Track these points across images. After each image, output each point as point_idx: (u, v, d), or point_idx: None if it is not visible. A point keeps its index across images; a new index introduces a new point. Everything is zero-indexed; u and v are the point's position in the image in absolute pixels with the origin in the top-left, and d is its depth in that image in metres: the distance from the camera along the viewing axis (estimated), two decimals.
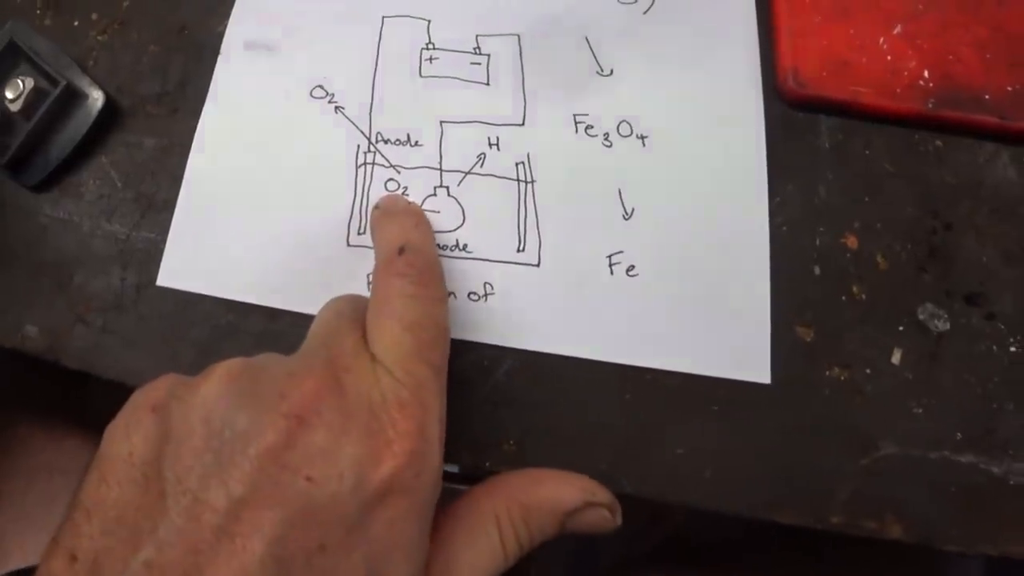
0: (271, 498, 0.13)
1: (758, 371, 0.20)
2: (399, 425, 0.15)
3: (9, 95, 0.24)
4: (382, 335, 0.16)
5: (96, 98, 0.24)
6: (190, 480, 0.13)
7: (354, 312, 0.17)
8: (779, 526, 0.20)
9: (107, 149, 0.24)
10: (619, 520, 0.18)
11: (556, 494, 0.17)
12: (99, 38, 0.26)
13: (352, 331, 0.16)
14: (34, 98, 0.24)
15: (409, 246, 0.18)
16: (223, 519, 0.13)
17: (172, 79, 0.24)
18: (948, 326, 0.21)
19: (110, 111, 0.24)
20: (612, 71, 0.24)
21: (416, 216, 0.20)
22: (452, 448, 0.20)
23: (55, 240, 0.23)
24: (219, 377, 0.15)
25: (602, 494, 0.18)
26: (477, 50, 0.24)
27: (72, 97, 0.24)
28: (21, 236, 0.24)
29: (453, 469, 0.21)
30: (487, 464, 0.20)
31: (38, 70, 0.25)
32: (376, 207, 0.21)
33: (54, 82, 0.24)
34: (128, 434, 0.15)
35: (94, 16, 0.26)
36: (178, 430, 0.14)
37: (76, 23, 0.26)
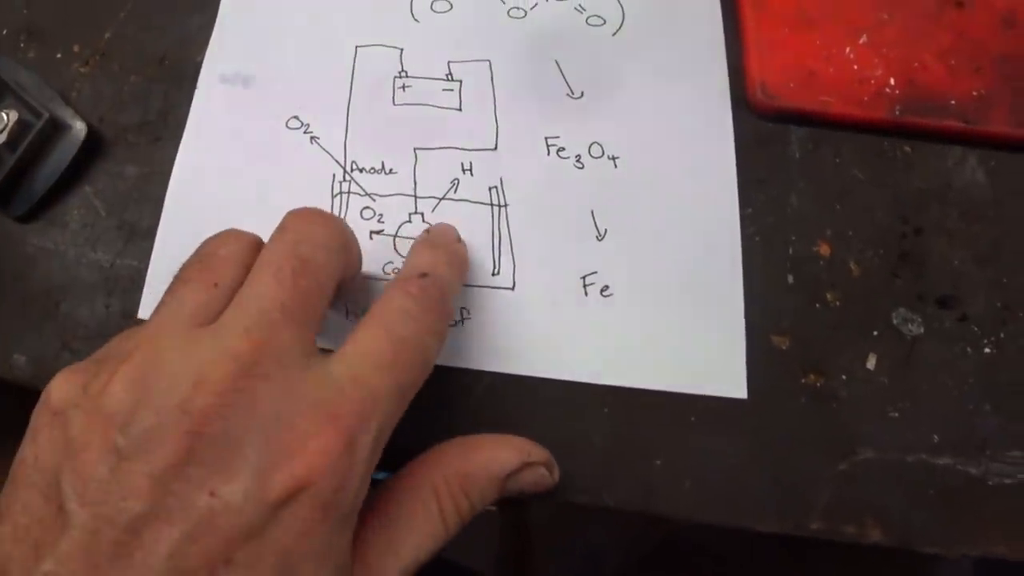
0: (171, 513, 0.13)
1: (734, 387, 0.21)
2: (319, 438, 0.14)
3: None
4: (364, 339, 0.16)
5: (79, 129, 0.25)
6: (89, 494, 0.13)
7: (305, 306, 0.16)
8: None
9: (91, 179, 0.24)
10: (557, 476, 0.18)
11: (494, 458, 0.17)
12: (81, 70, 0.26)
13: (289, 329, 0.15)
14: (18, 130, 0.25)
15: (433, 275, 0.18)
16: (122, 535, 0.13)
17: (153, 109, 0.25)
18: (922, 330, 0.21)
19: (93, 141, 0.25)
20: (583, 93, 0.24)
21: (454, 255, 0.20)
22: None
23: (42, 270, 0.24)
24: (122, 380, 0.14)
25: (538, 452, 0.18)
26: (449, 76, 0.24)
27: (56, 128, 0.25)
28: (8, 267, 0.24)
29: None
30: None
31: (22, 102, 0.25)
32: (426, 231, 0.21)
33: (37, 114, 0.25)
34: (34, 437, 0.15)
35: (76, 48, 0.26)
36: (77, 440, 0.14)
37: (59, 55, 0.26)
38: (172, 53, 0.26)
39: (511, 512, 0.51)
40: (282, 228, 0.17)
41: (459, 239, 0.22)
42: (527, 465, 0.18)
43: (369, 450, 0.15)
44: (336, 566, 0.15)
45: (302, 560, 0.14)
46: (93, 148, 0.25)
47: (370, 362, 0.16)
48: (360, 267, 0.20)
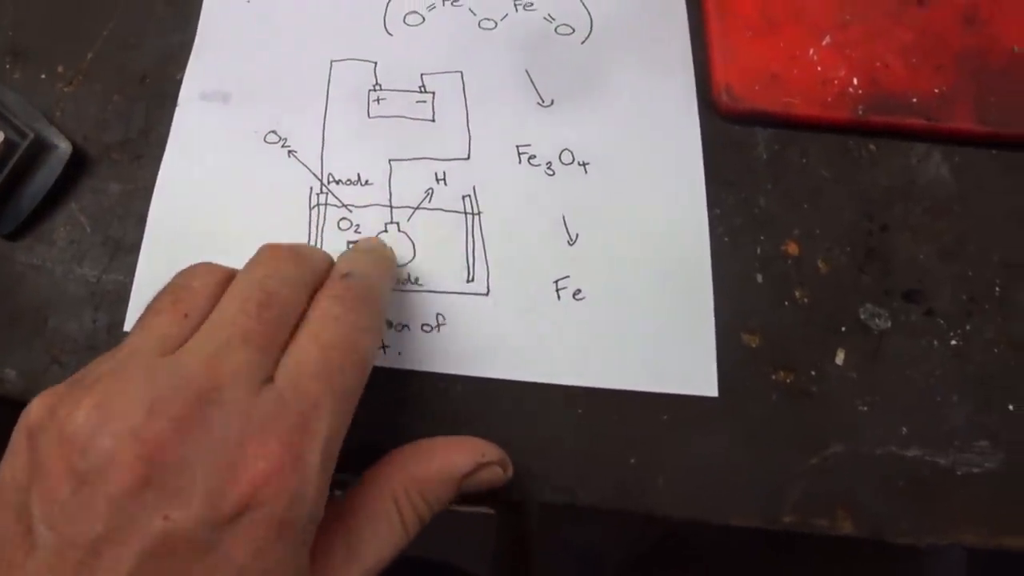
0: (129, 535, 0.14)
1: (705, 386, 0.21)
2: (266, 456, 0.14)
3: None
4: (296, 350, 0.16)
5: (64, 148, 0.25)
6: (54, 516, 0.14)
7: (267, 336, 0.16)
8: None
9: (76, 196, 0.25)
10: (510, 473, 0.19)
11: (450, 462, 0.18)
12: (65, 89, 0.27)
13: (248, 357, 0.16)
14: (4, 151, 0.25)
15: (355, 273, 0.18)
16: (85, 556, 0.13)
17: (135, 127, 0.25)
18: (889, 324, 0.22)
19: (78, 160, 0.25)
20: (552, 101, 0.25)
21: (378, 254, 0.21)
22: None
23: (30, 286, 0.24)
24: (85, 406, 0.15)
25: (492, 452, 0.19)
26: (422, 88, 0.25)
27: (41, 148, 0.25)
28: None
29: None
30: None
31: (7, 123, 0.26)
32: (352, 244, 0.22)
33: (23, 134, 0.25)
34: (9, 457, 0.15)
35: (60, 68, 0.27)
36: (44, 464, 0.14)
37: (43, 75, 0.27)
38: (153, 72, 0.26)
39: (508, 513, 0.52)
40: (253, 262, 0.18)
41: (384, 245, 0.22)
42: (481, 465, 0.18)
43: (319, 460, 0.15)
44: None
45: (260, 573, 0.14)
46: (78, 166, 0.25)
47: (304, 372, 0.16)
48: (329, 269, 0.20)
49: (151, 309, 0.18)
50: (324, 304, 0.17)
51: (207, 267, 0.19)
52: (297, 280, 0.18)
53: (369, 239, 0.23)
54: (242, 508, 0.14)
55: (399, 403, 0.22)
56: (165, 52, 0.26)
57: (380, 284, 0.19)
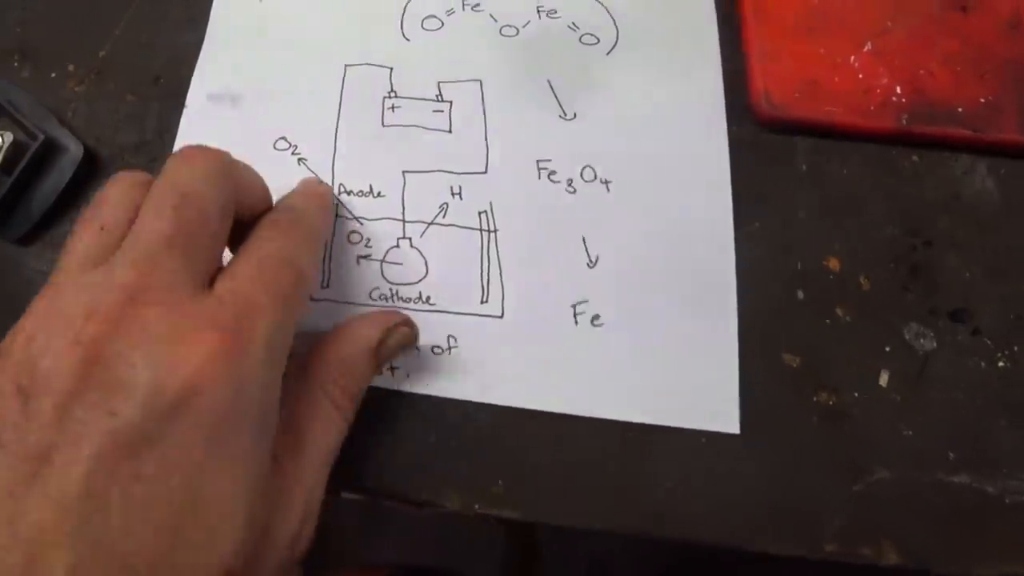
0: (78, 437, 0.14)
1: (727, 421, 0.20)
2: (206, 345, 0.15)
3: None
4: (234, 264, 0.17)
5: (75, 150, 0.24)
6: (4, 437, 0.14)
7: (190, 236, 0.16)
8: None
9: (88, 200, 0.24)
10: (418, 331, 0.20)
11: (360, 337, 0.19)
12: (76, 89, 0.26)
13: (174, 258, 0.16)
14: (13, 152, 0.24)
15: (281, 205, 0.19)
16: (36, 465, 0.13)
17: (149, 128, 0.25)
18: (934, 344, 0.21)
19: (90, 162, 0.24)
20: (575, 115, 0.23)
21: (309, 188, 0.21)
22: (441, 491, 0.20)
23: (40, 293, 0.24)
24: (22, 328, 0.15)
25: (395, 316, 0.20)
26: (439, 97, 0.24)
27: (51, 150, 0.24)
28: (7, 290, 0.24)
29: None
30: (476, 506, 0.20)
31: (16, 124, 0.25)
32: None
33: (33, 136, 0.24)
34: None
35: (71, 67, 0.26)
36: None
37: (53, 75, 0.26)
38: (167, 71, 0.25)
39: (516, 523, 0.51)
40: (163, 171, 0.18)
41: (319, 181, 0.22)
42: (389, 331, 0.19)
43: (263, 355, 0.15)
44: (253, 475, 0.15)
45: (214, 472, 0.14)
46: (90, 169, 0.24)
47: (242, 278, 0.17)
48: (266, 197, 0.20)
49: (73, 231, 0.18)
50: (258, 231, 0.18)
51: (123, 176, 0.19)
52: (208, 175, 0.18)
53: (304, 179, 0.22)
54: (186, 396, 0.14)
55: (407, 427, 0.21)
56: (180, 51, 0.26)
57: (309, 212, 0.20)
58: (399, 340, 0.20)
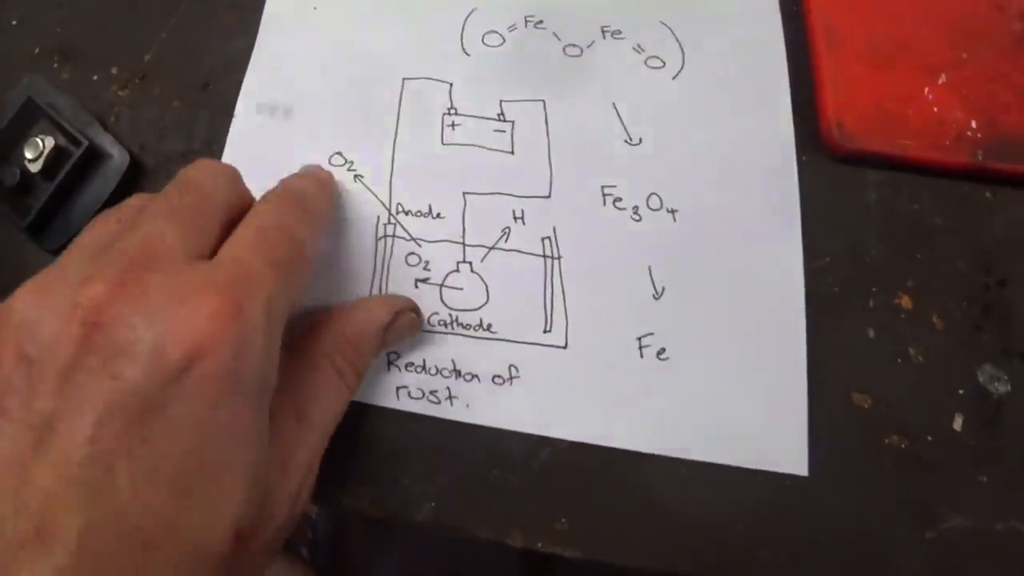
0: (80, 403, 0.13)
1: (795, 463, 0.19)
2: (207, 308, 0.15)
3: (29, 155, 0.23)
4: (234, 235, 0.17)
5: (120, 158, 0.23)
6: (6, 405, 0.14)
7: (191, 215, 0.17)
8: None
9: None
10: (423, 318, 0.21)
11: (371, 317, 0.19)
12: (120, 93, 0.25)
13: (175, 232, 0.16)
14: (55, 158, 0.23)
15: (282, 185, 0.19)
16: (40, 433, 0.13)
17: (198, 137, 0.24)
18: (1009, 388, 0.20)
19: (134, 171, 0.23)
20: (641, 140, 0.23)
21: (310, 172, 0.21)
22: (502, 527, 0.19)
23: None
24: (23, 293, 0.15)
25: (404, 302, 0.20)
26: (501, 116, 0.23)
27: (94, 157, 0.24)
28: None
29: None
30: (539, 544, 0.19)
31: (58, 128, 0.24)
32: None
33: (75, 141, 0.24)
34: None
35: (114, 70, 0.25)
36: None
37: (95, 77, 0.25)
38: (216, 77, 0.25)
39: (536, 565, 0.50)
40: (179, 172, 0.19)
41: (319, 167, 0.22)
42: (398, 314, 0.20)
43: (262, 320, 0.15)
44: (254, 441, 0.15)
45: (220, 435, 0.14)
46: (134, 178, 0.23)
47: (242, 246, 0.17)
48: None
49: (86, 227, 0.18)
50: (258, 206, 0.18)
51: (143, 194, 0.19)
52: (216, 172, 0.19)
53: (308, 165, 0.22)
54: (189, 359, 0.14)
55: (467, 460, 0.20)
56: (229, 57, 0.25)
57: (309, 191, 0.20)
58: (406, 325, 0.20)
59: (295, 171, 0.22)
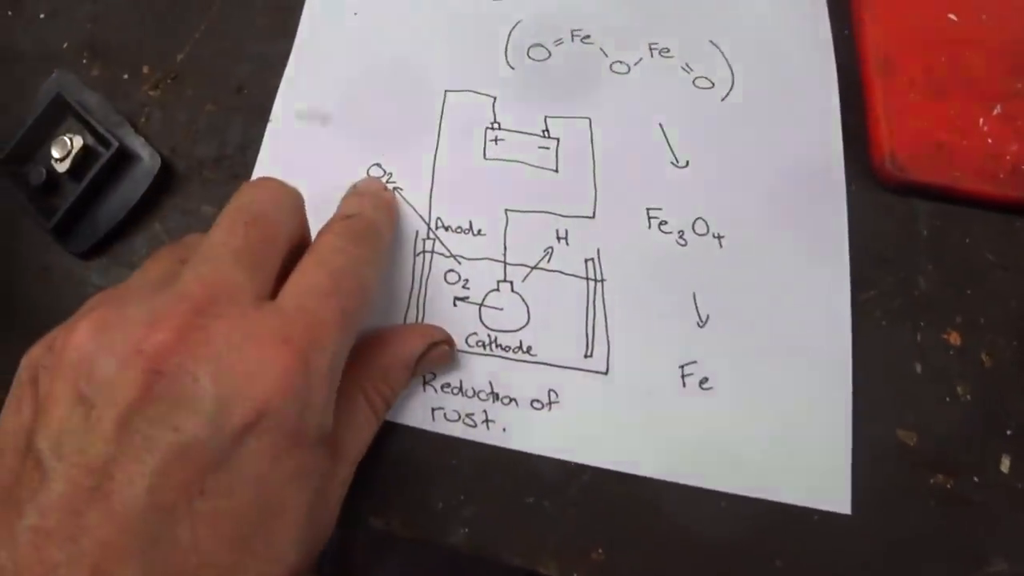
0: (139, 452, 0.13)
1: (838, 501, 0.19)
2: (273, 362, 0.14)
3: (56, 154, 0.23)
4: (303, 275, 0.17)
5: (151, 161, 0.23)
6: (62, 447, 0.13)
7: (256, 253, 0.16)
8: None
9: (161, 215, 0.23)
10: (455, 347, 0.20)
11: (405, 348, 0.19)
12: (151, 93, 0.24)
13: (240, 272, 0.16)
14: (83, 158, 0.23)
15: (357, 215, 0.19)
16: (97, 479, 0.13)
17: (231, 142, 0.23)
18: None
19: (165, 175, 0.23)
20: (688, 163, 0.22)
21: (379, 198, 0.21)
22: (537, 555, 0.19)
23: None
24: (83, 331, 0.15)
25: (439, 334, 0.20)
26: (546, 133, 0.23)
27: (124, 159, 0.23)
28: (67, 306, 0.22)
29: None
30: (574, 574, 0.19)
31: (87, 127, 0.23)
32: (353, 185, 0.21)
33: (104, 142, 0.23)
34: (13, 405, 0.15)
35: (145, 69, 0.25)
36: (47, 397, 0.14)
37: (126, 76, 0.25)
38: (251, 81, 0.24)
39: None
40: (236, 194, 0.18)
41: (384, 187, 0.22)
42: (432, 346, 0.19)
43: (326, 371, 0.15)
44: (315, 489, 0.15)
45: (281, 485, 0.14)
46: (164, 182, 0.23)
47: (312, 292, 0.16)
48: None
49: (150, 258, 0.18)
50: (327, 238, 0.18)
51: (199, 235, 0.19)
52: (282, 202, 0.18)
53: (369, 180, 0.22)
54: (254, 417, 0.14)
55: (502, 485, 0.19)
56: (266, 61, 0.24)
57: (381, 225, 0.20)
58: (438, 357, 0.20)
59: (359, 183, 0.21)
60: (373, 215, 0.19)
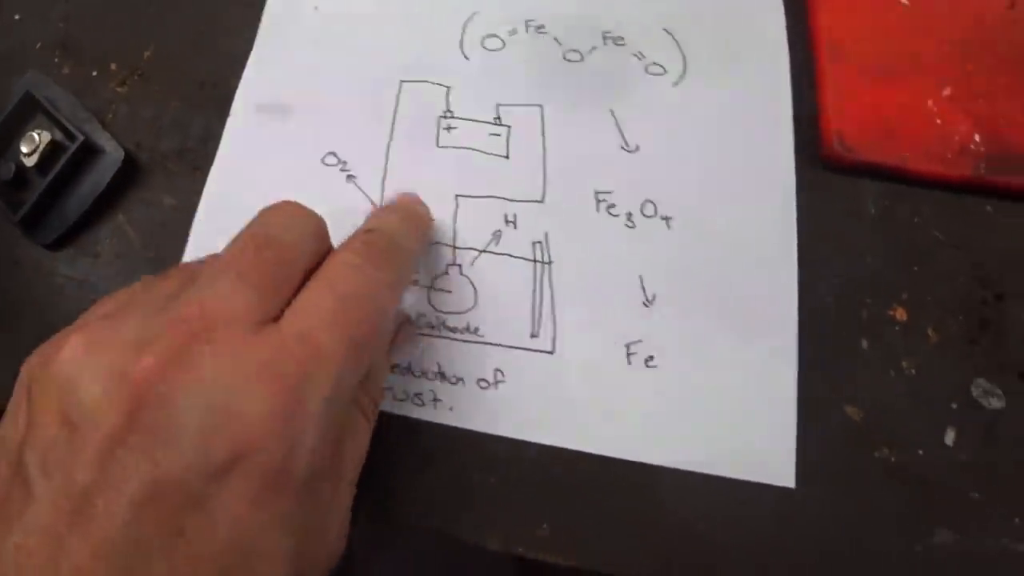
0: (119, 481, 0.13)
1: (782, 475, 0.19)
2: (261, 398, 0.14)
3: (24, 149, 0.24)
4: (309, 296, 0.15)
5: (115, 154, 0.23)
6: (47, 465, 0.13)
7: (265, 276, 0.15)
8: None
9: (125, 207, 0.23)
10: (416, 324, 0.20)
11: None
12: (118, 90, 0.25)
13: (244, 295, 0.15)
14: (50, 153, 0.24)
15: (379, 230, 0.18)
16: (78, 503, 0.13)
17: (193, 136, 0.24)
18: (1003, 404, 0.20)
19: (129, 167, 0.24)
20: (638, 147, 0.22)
21: (409, 211, 0.20)
22: (483, 531, 0.19)
23: (70, 301, 0.23)
24: (71, 348, 0.14)
25: (400, 314, 0.20)
26: (498, 120, 0.23)
27: (89, 152, 0.24)
28: (35, 296, 0.23)
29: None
30: (519, 549, 0.19)
31: (55, 123, 0.24)
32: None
33: (71, 136, 0.24)
34: (10, 412, 0.15)
35: (113, 67, 0.25)
36: (37, 413, 0.14)
37: (95, 73, 0.25)
38: (216, 77, 0.25)
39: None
40: (256, 216, 0.17)
41: (418, 202, 0.21)
42: (401, 325, 0.19)
43: (320, 409, 0.14)
44: (304, 528, 0.15)
45: (261, 530, 0.14)
46: (128, 174, 0.24)
47: (315, 318, 0.15)
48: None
49: (161, 274, 0.17)
50: (342, 255, 0.17)
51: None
52: (302, 227, 0.17)
53: (404, 195, 0.21)
54: (235, 457, 0.13)
55: (449, 463, 0.20)
56: (229, 57, 0.25)
57: (405, 240, 0.18)
58: (407, 337, 0.20)
59: (396, 197, 0.21)
60: (398, 230, 0.18)
